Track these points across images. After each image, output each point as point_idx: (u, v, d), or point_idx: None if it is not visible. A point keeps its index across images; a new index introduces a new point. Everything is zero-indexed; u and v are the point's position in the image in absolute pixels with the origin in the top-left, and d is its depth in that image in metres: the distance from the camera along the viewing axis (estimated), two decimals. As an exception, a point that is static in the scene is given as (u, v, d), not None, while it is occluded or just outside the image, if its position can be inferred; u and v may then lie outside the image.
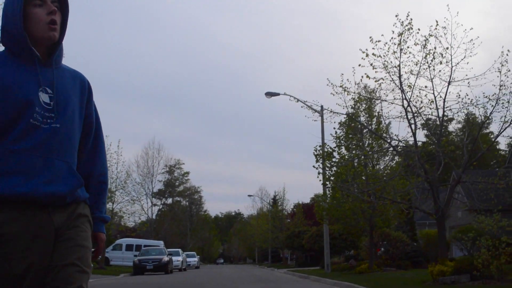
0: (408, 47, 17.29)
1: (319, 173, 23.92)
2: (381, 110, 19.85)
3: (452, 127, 69.45)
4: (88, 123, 2.90)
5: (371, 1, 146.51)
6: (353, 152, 23.72)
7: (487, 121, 18.31)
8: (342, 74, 19.09)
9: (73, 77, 2.85)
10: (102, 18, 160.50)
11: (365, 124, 21.85)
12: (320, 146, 24.66)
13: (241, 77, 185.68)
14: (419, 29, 17.35)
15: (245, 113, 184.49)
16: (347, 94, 18.93)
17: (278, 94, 29.79)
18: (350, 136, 23.71)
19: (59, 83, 2.74)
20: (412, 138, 17.98)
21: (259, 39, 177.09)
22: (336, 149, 24.43)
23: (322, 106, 28.52)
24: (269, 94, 29.91)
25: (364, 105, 22.69)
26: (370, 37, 17.47)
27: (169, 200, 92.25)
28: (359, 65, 17.60)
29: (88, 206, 2.84)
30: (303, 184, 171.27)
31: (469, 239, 19.16)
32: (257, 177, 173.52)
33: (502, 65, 16.62)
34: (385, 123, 21.47)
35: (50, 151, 2.62)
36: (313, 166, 23.80)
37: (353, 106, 21.47)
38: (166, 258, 34.56)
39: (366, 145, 23.44)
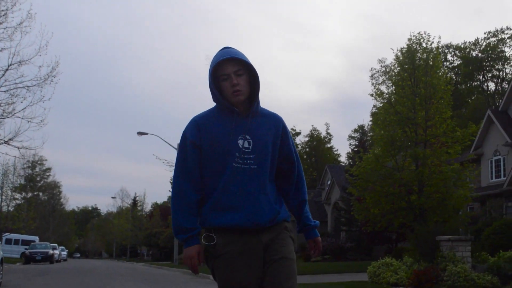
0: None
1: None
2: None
3: (299, 139, 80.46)
4: (288, 159, 3.51)
5: (240, 0, 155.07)
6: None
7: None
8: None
9: (269, 121, 3.44)
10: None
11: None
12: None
13: (106, 65, 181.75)
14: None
15: (104, 103, 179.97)
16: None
17: (146, 134, 39.95)
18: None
19: (255, 130, 3.35)
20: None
21: (125, 27, 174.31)
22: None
23: (178, 144, 39.08)
24: (140, 133, 39.88)
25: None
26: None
27: (30, 195, 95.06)
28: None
29: (289, 223, 3.48)
30: (162, 179, 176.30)
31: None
32: (116, 170, 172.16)
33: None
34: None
35: (252, 188, 3.27)
36: (169, 191, 34.60)
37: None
38: (51, 252, 44.00)
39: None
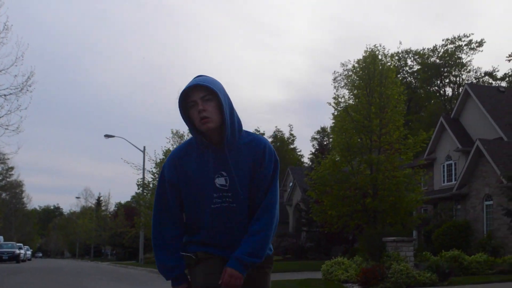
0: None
1: (139, 197, 35.87)
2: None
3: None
4: (260, 184, 3.24)
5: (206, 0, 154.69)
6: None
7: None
8: (155, 151, 31.26)
9: (248, 150, 3.24)
10: None
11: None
12: (141, 179, 36.53)
13: (70, 65, 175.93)
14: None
15: (68, 102, 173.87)
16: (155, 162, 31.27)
17: (113, 136, 40.89)
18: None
19: (232, 164, 3.19)
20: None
21: (89, 25, 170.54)
22: (152, 181, 36.35)
23: (144, 147, 40.21)
24: (107, 136, 40.81)
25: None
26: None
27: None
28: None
29: (269, 258, 3.39)
30: (127, 179, 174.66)
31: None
32: (79, 170, 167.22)
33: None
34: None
35: (231, 228, 3.23)
36: (136, 192, 35.75)
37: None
38: (17, 251, 44.60)
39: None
